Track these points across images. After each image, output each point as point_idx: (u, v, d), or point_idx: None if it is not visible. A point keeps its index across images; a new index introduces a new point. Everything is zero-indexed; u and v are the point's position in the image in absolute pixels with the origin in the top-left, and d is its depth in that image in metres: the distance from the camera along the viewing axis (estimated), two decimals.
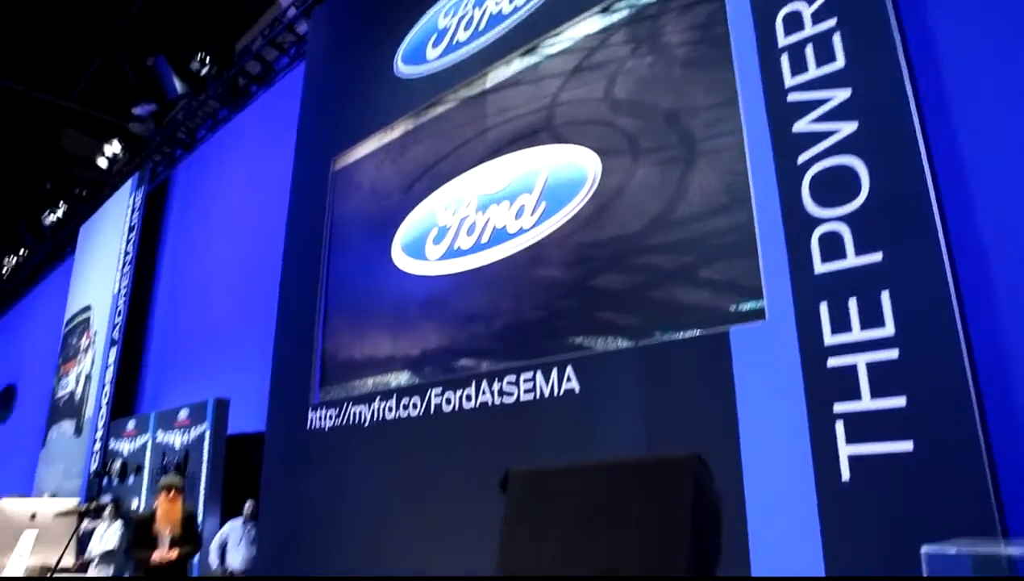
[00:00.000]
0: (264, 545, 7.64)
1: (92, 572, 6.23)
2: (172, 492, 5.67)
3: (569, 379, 5.19)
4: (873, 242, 4.04)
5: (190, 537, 5.70)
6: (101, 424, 12.10)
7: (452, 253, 6.38)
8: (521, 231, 5.89)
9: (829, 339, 4.07)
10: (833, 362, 4.02)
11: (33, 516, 4.87)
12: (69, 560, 4.53)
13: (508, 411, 5.49)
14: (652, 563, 3.14)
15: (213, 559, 7.57)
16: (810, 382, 4.09)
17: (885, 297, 3.93)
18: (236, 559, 7.58)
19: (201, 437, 8.40)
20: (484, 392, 5.70)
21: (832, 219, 4.22)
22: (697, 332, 4.67)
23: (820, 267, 4.19)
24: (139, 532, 5.55)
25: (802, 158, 4.39)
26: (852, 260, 4.09)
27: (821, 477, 3.95)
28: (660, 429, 4.61)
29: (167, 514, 5.61)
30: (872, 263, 4.01)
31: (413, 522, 6.01)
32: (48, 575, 3.90)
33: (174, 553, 5.53)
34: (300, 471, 7.43)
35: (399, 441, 6.34)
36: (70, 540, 4.08)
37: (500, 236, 6.03)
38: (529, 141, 6.08)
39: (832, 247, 4.18)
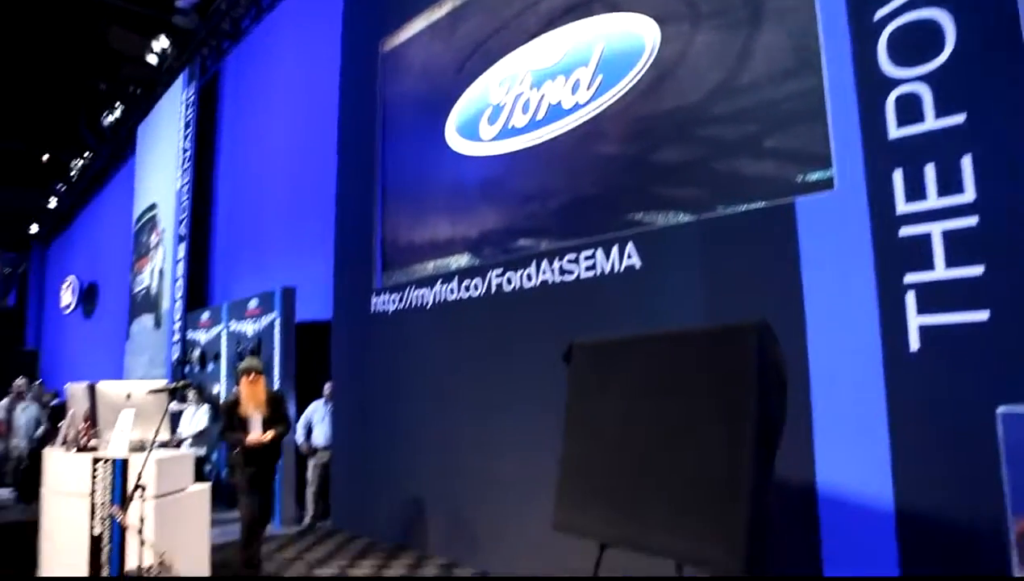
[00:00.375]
0: (339, 423, 8.07)
1: (184, 450, 6.60)
2: (252, 375, 5.57)
3: (630, 256, 5.16)
4: (955, 104, 3.79)
5: (280, 418, 5.66)
6: (177, 316, 12.67)
7: (507, 132, 6.27)
8: (577, 106, 5.72)
9: (902, 207, 3.91)
10: (906, 231, 3.88)
11: (128, 396, 5.22)
12: (165, 435, 4.85)
13: (569, 289, 5.51)
14: (716, 428, 3.19)
15: (299, 437, 8.17)
16: (880, 252, 3.97)
17: (966, 162, 3.72)
18: (320, 436, 8.12)
19: (272, 325, 8.73)
20: (544, 271, 5.72)
21: (910, 80, 3.96)
22: (761, 204, 4.54)
23: (895, 132, 3.98)
24: (229, 416, 5.60)
25: (879, 14, 4.09)
26: (931, 123, 3.86)
27: (889, 346, 3.89)
28: (722, 303, 4.58)
29: (251, 397, 5.55)
30: (953, 126, 3.78)
31: (476, 399, 6.22)
32: (148, 448, 4.21)
33: (268, 435, 5.51)
34: (367, 353, 7.70)
35: (461, 321, 6.47)
36: (164, 414, 4.36)
37: (556, 112, 5.88)
38: (583, 11, 5.81)
39: (909, 110, 3.94)
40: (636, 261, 5.13)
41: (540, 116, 5.99)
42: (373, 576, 5.07)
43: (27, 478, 9.17)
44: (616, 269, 5.23)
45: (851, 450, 3.96)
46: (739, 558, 2.97)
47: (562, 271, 5.59)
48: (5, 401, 9.34)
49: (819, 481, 4.06)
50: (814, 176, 4.34)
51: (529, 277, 5.84)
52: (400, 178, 7.54)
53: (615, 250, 5.25)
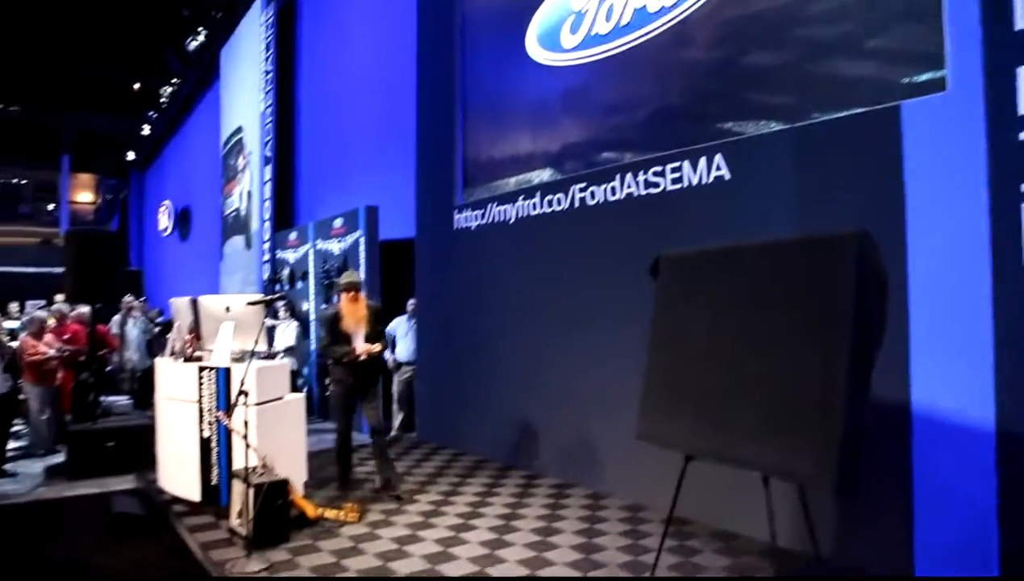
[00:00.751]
0: (422, 338, 8.28)
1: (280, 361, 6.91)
2: (353, 292, 5.56)
3: (718, 167, 4.99)
4: None
5: (380, 333, 5.72)
6: (266, 237, 13.10)
7: (590, 40, 6.07)
8: (663, 10, 5.46)
9: None
10: None
11: (228, 309, 5.49)
12: (263, 346, 5.10)
13: (654, 202, 5.40)
14: (811, 338, 3.11)
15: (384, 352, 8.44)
16: (996, 158, 3.70)
17: None
18: (403, 351, 8.37)
19: (356, 243, 8.92)
20: (629, 184, 5.61)
21: None
22: (861, 110, 4.28)
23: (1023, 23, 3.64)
24: (332, 331, 5.53)
25: None
26: None
27: (998, 260, 3.67)
28: (815, 216, 4.40)
29: (352, 313, 5.53)
30: None
31: (558, 314, 6.25)
32: (248, 357, 4.45)
33: (377, 347, 5.57)
34: (449, 270, 7.80)
35: (543, 237, 6.46)
36: (262, 326, 4.60)
37: (641, 17, 5.63)
38: None
39: None
40: (725, 172, 4.96)
41: (624, 21, 5.76)
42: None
43: (141, 387, 9.87)
44: (704, 181, 5.07)
45: (951, 370, 3.81)
46: (830, 473, 2.93)
47: (647, 184, 5.47)
48: (117, 317, 9.98)
49: (914, 400, 3.93)
50: (923, 77, 4.05)
51: (613, 191, 5.74)
52: (480, 93, 7.44)
53: (703, 161, 5.08)
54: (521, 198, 6.72)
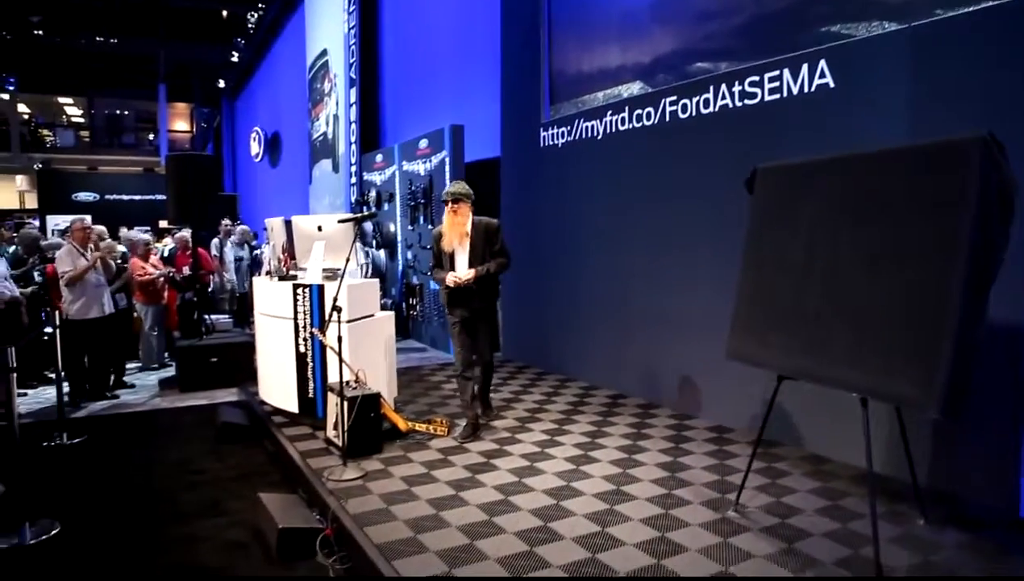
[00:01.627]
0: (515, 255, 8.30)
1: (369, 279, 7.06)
2: (450, 203, 4.94)
3: (822, 74, 4.66)
4: None
5: (497, 251, 5.02)
6: (353, 160, 13.27)
7: None
8: None
9: None
10: None
11: (320, 228, 5.61)
12: (353, 265, 5.19)
13: (751, 114, 5.13)
14: (924, 255, 2.91)
15: None
16: None
17: None
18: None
19: (442, 163, 8.91)
20: (723, 96, 5.34)
21: None
22: (998, 1, 3.87)
23: None
24: (435, 252, 5.10)
25: None
26: None
27: None
28: (934, 126, 4.06)
29: (452, 228, 4.96)
30: None
31: (647, 231, 6.11)
32: (340, 275, 4.55)
33: (471, 274, 4.94)
34: (535, 189, 7.72)
35: (632, 152, 6.28)
36: (353, 244, 4.65)
37: None
38: None
39: None
40: (829, 80, 4.63)
41: None
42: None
43: (240, 307, 10.34)
44: (805, 90, 4.76)
45: None
46: (936, 399, 2.78)
47: (743, 95, 5.19)
48: (216, 240, 10.40)
49: None
50: None
51: (706, 103, 5.48)
52: (567, 5, 7.16)
53: (805, 69, 4.76)
54: (609, 113, 6.52)
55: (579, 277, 7.04)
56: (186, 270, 8.78)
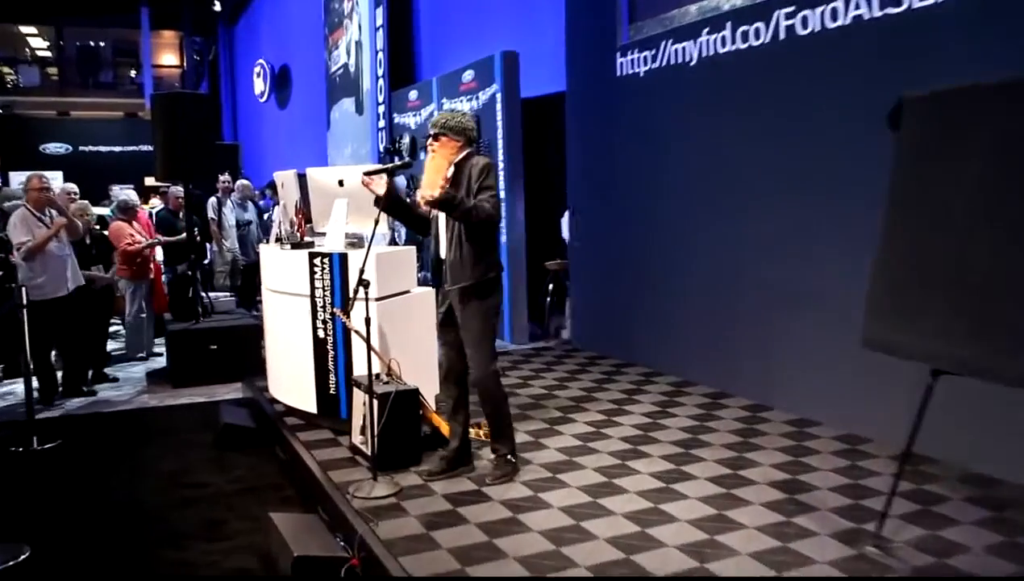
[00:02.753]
0: (584, 216, 8.27)
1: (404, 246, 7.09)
2: (432, 138, 4.65)
3: None
4: None
5: (480, 188, 4.48)
6: (381, 98, 13.33)
7: None
8: None
9: None
10: None
11: (341, 183, 5.65)
12: (383, 227, 5.21)
13: (893, 26, 4.96)
14: None
15: (566, 233, 8.79)
16: None
17: None
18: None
19: (492, 100, 8.88)
20: (857, 5, 5.17)
21: None
22: None
23: None
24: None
25: None
26: None
27: None
28: None
29: (425, 177, 4.56)
30: None
31: (756, 183, 5.99)
32: (368, 241, 4.55)
33: (433, 192, 4.36)
34: (611, 130, 7.65)
35: (736, 81, 6.17)
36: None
37: None
38: None
39: None
40: None
41: None
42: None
43: (245, 281, 10.54)
44: None
45: None
46: None
47: (883, 2, 5.01)
48: (213, 200, 10.57)
49: None
50: None
51: (834, 14, 5.33)
52: None
53: None
54: (706, 31, 6.40)
55: (669, 244, 6.96)
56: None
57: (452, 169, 4.60)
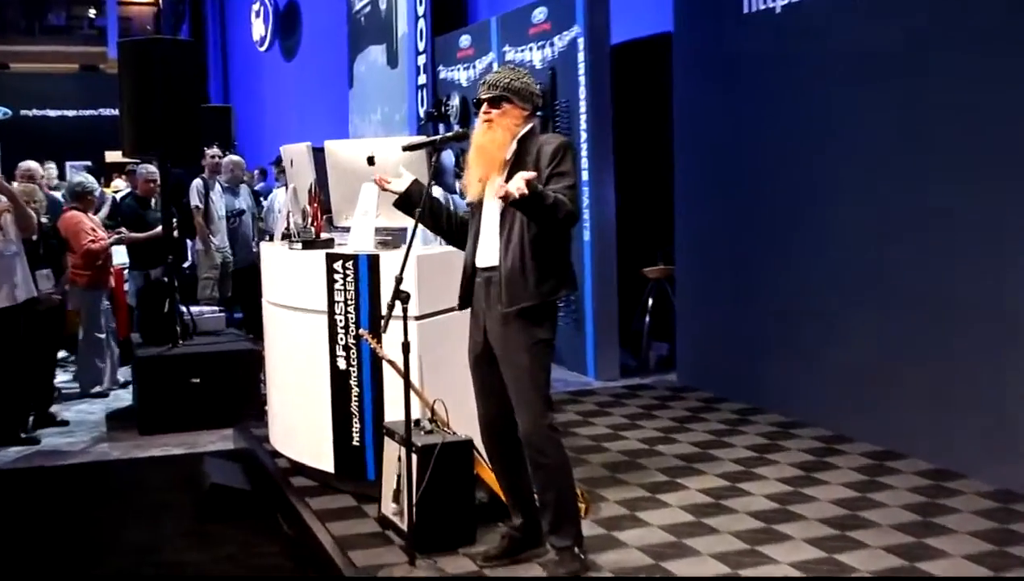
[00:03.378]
0: (682, 213, 8.23)
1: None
2: (485, 105, 4.60)
3: None
4: None
5: (556, 175, 4.42)
6: (422, 45, 13.40)
7: None
8: None
9: None
10: None
11: (371, 161, 5.61)
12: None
13: None
14: None
15: None
16: None
17: None
18: None
19: (572, 47, 8.88)
20: None
21: None
22: None
23: None
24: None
25: None
26: None
27: None
28: None
29: (477, 156, 4.60)
30: None
31: (958, 159, 5.93)
32: (408, 239, 4.46)
33: (524, 181, 4.07)
34: (738, 85, 7.65)
35: (916, 16, 6.11)
36: (428, 186, 4.57)
37: None
38: None
39: None
40: None
41: None
42: None
43: (239, 290, 10.62)
44: None
45: None
46: None
47: None
48: (198, 182, 10.68)
49: None
50: None
51: None
52: None
53: None
54: None
55: (818, 247, 6.87)
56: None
57: (514, 147, 4.55)
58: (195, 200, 10.48)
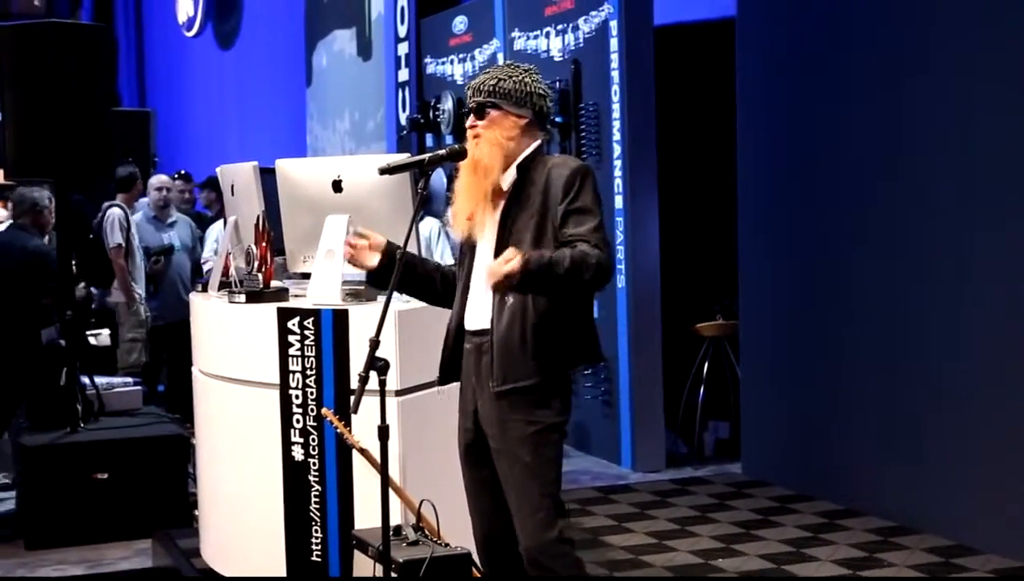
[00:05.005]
0: (747, 258, 8.29)
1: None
2: (473, 116, 4.69)
3: None
4: None
5: (568, 237, 4.38)
6: (404, 31, 13.50)
7: None
8: None
9: None
10: None
11: (337, 185, 5.68)
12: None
13: None
14: None
15: None
16: None
17: None
18: None
19: (602, 32, 8.97)
20: None
21: None
22: None
23: None
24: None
25: None
26: None
27: None
28: None
29: (466, 184, 4.61)
30: None
31: None
32: (390, 286, 4.45)
33: (510, 264, 4.15)
34: (825, 79, 7.75)
35: None
36: (414, 219, 4.58)
37: None
38: None
39: None
40: None
41: None
42: None
43: (160, 354, 10.65)
44: None
45: None
46: None
47: None
48: (116, 212, 10.66)
49: None
50: None
51: None
52: None
53: None
54: None
55: (942, 296, 6.91)
56: None
57: (513, 176, 4.58)
58: (115, 236, 10.46)
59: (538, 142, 4.60)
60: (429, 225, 8.63)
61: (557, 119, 9.55)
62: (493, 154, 4.48)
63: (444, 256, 9.00)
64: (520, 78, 4.56)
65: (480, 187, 4.47)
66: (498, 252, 4.34)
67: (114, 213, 10.49)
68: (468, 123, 4.63)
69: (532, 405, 4.42)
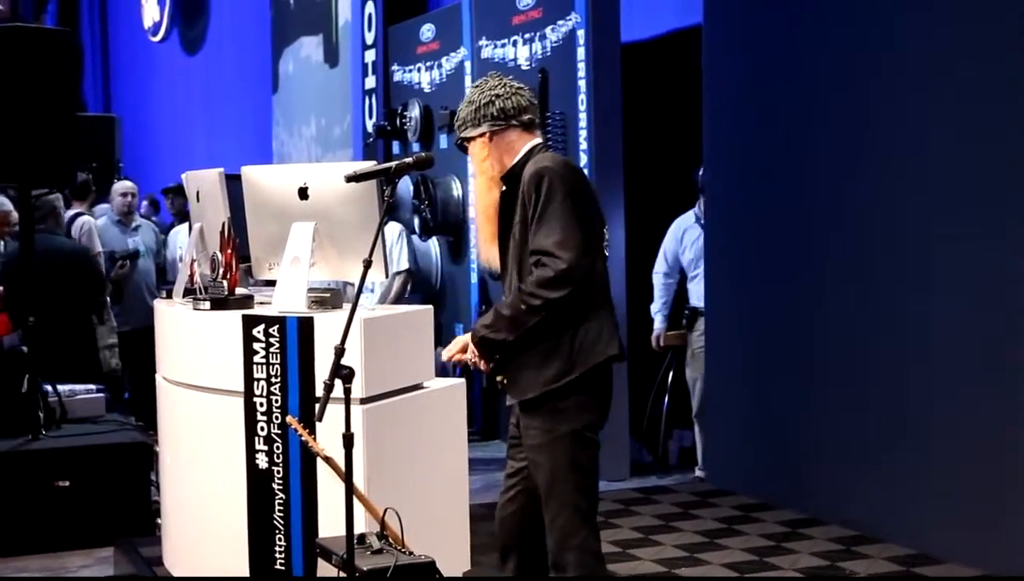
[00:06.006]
0: (714, 261, 8.29)
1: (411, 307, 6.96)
2: (468, 138, 4.91)
3: None
4: None
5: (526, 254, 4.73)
6: (371, 37, 13.50)
7: None
8: None
9: None
10: None
11: (304, 193, 5.66)
12: (377, 274, 5.19)
13: None
14: None
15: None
16: None
17: None
18: (696, 293, 8.84)
19: (568, 42, 8.98)
20: None
21: None
22: None
23: None
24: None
25: None
26: None
27: None
28: None
29: (477, 205, 5.04)
30: None
31: None
32: (355, 294, 4.47)
33: (462, 348, 4.85)
34: (793, 92, 7.75)
35: None
36: (379, 227, 4.59)
37: None
38: None
39: None
40: None
41: None
42: None
43: (128, 363, 10.59)
44: None
45: None
46: None
47: None
48: (88, 222, 10.53)
49: None
50: None
51: None
52: None
53: None
54: None
55: (917, 301, 6.92)
56: None
57: (502, 189, 4.75)
58: (96, 244, 10.42)
59: (528, 146, 4.74)
60: (391, 229, 8.69)
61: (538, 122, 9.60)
62: (479, 182, 4.78)
63: (402, 260, 9.03)
64: (472, 99, 4.78)
65: (484, 213, 4.77)
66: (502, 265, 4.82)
67: (87, 221, 10.48)
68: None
69: (548, 413, 4.56)
